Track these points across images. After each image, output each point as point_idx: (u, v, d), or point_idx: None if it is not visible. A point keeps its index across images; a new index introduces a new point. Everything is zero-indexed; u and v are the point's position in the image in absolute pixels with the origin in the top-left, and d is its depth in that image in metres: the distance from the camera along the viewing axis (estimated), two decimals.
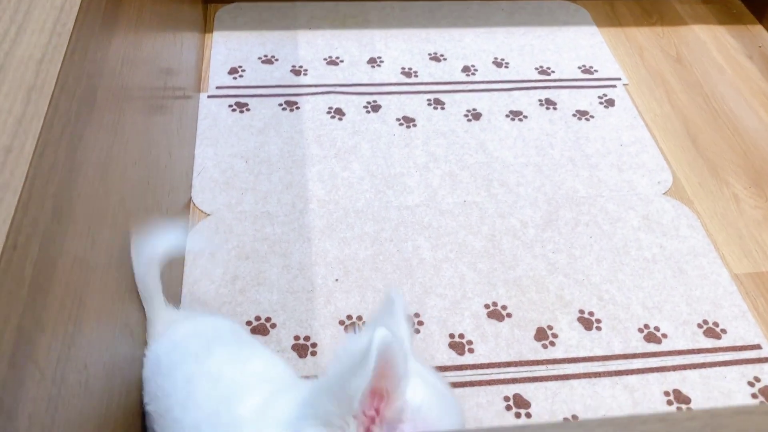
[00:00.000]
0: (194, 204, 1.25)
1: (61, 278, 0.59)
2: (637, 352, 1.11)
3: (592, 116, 1.51)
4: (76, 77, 0.66)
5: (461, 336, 1.11)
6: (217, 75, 1.51)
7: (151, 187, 0.96)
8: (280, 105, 1.46)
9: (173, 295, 1.10)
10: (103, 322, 0.69)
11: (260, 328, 1.09)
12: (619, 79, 1.61)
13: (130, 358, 0.79)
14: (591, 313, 1.16)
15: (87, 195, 0.67)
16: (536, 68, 1.61)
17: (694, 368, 1.10)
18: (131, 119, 0.86)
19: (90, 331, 0.65)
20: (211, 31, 1.61)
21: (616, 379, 1.08)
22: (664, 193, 1.36)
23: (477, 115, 1.49)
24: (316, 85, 1.51)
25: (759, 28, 1.79)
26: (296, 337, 1.08)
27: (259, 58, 1.56)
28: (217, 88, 1.48)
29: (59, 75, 0.58)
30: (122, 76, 0.83)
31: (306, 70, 1.55)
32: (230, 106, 1.44)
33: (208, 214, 1.24)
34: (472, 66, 1.60)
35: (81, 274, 0.63)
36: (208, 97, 1.46)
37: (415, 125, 1.45)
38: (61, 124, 0.60)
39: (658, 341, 1.13)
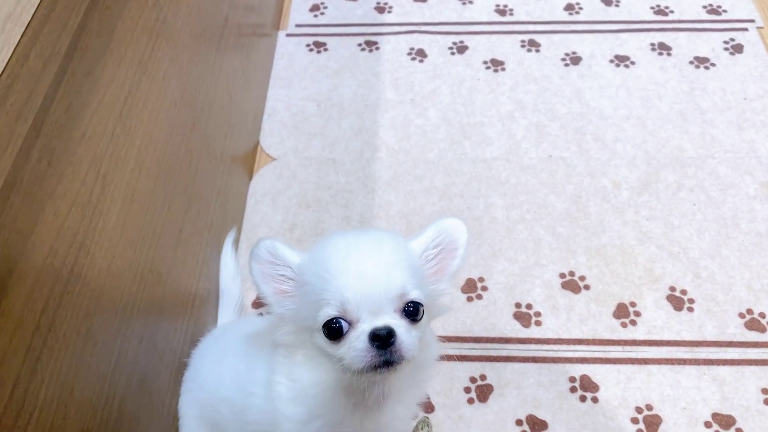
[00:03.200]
0: (261, 147, 1.21)
1: (53, 222, 0.55)
2: (734, 340, 0.97)
3: (713, 64, 1.31)
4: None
5: (529, 306, 1.01)
6: (297, 12, 1.44)
7: (199, 129, 0.91)
8: (359, 45, 1.37)
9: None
10: (114, 270, 0.66)
11: None
12: (752, 21, 1.38)
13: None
14: (684, 292, 1.02)
15: (95, 135, 0.62)
16: (652, 7, 1.41)
17: None
18: (170, 56, 0.81)
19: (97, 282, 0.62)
20: None
21: (704, 368, 0.94)
22: None
23: (576, 59, 1.33)
24: (399, 24, 1.41)
25: None
26: None
27: None
28: (297, 26, 1.41)
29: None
30: (160, 9, 0.78)
31: (391, 7, 1.44)
32: (308, 45, 1.37)
33: (274, 159, 1.19)
34: (577, 3, 1.43)
35: (82, 219, 0.60)
36: (287, 35, 1.40)
37: (504, 69, 1.32)
38: (56, 61, 0.56)
39: (762, 330, 0.97)
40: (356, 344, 0.58)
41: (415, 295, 0.60)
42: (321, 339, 0.60)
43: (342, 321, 0.58)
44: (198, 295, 0.93)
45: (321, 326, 0.59)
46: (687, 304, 1.00)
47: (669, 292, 1.02)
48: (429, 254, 0.65)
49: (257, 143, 1.21)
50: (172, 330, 0.82)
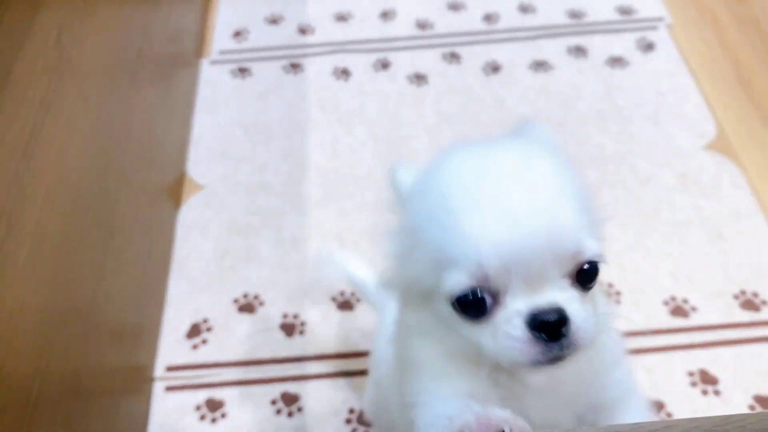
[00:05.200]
0: (188, 176, 1.21)
1: None
2: (661, 327, 1.00)
3: (627, 63, 1.36)
4: None
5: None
6: (220, 39, 1.45)
7: (115, 164, 0.91)
8: (284, 68, 1.38)
9: (161, 276, 1.06)
10: (27, 311, 0.65)
11: (247, 306, 1.03)
12: (661, 19, 1.44)
13: None
14: (610, 285, 1.04)
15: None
16: (567, 11, 1.46)
17: (726, 345, 0.97)
18: (77, 93, 0.80)
19: None
20: None
21: (634, 358, 0.97)
22: (705, 147, 1.21)
23: (496, 68, 1.36)
24: (322, 44, 1.42)
25: None
26: (285, 315, 1.03)
27: (265, 19, 1.48)
28: (220, 53, 1.42)
29: None
30: (62, 48, 0.78)
31: (314, 29, 1.46)
32: (232, 71, 1.38)
33: (202, 187, 1.19)
34: (495, 12, 1.47)
35: None
36: (211, 62, 1.40)
37: (427, 82, 1.34)
38: None
39: (686, 315, 1.00)
40: (509, 330, 0.40)
41: (593, 249, 0.40)
42: (448, 313, 0.42)
43: (484, 293, 0.40)
44: (128, 330, 0.92)
45: (451, 299, 0.41)
46: (614, 297, 1.03)
47: None
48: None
49: (183, 172, 1.21)
50: (98, 365, 0.81)
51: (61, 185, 0.74)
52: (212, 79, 1.37)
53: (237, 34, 1.45)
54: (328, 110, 1.30)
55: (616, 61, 1.36)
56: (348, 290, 1.05)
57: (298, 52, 1.41)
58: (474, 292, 0.39)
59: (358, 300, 1.04)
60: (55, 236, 0.72)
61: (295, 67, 1.38)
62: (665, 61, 1.36)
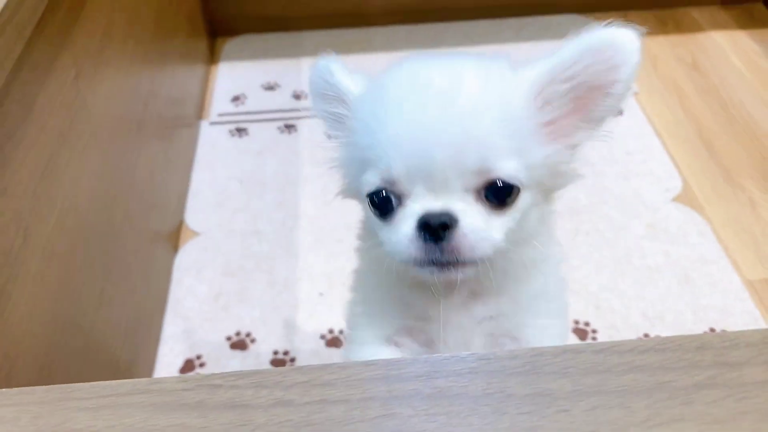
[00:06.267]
0: (186, 224, 1.27)
1: None
2: None
3: None
4: None
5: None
6: (219, 103, 1.55)
7: (120, 202, 0.97)
8: (279, 128, 1.47)
9: (157, 313, 1.11)
10: (35, 317, 0.70)
11: (239, 343, 1.07)
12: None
13: None
14: (587, 324, 1.10)
15: (16, 192, 0.68)
16: None
17: None
18: (90, 131, 0.88)
19: None
20: (217, 62, 1.65)
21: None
22: (672, 200, 1.29)
23: None
24: None
25: None
26: (275, 352, 1.06)
27: (262, 86, 1.59)
28: (219, 115, 1.51)
29: None
30: (78, 90, 0.85)
31: (307, 95, 1.56)
32: (230, 131, 1.47)
33: (199, 234, 1.25)
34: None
35: (4, 266, 0.64)
36: (210, 124, 1.49)
37: None
38: None
39: None
40: (401, 228, 0.43)
41: (507, 170, 0.41)
42: (369, 213, 0.45)
43: (390, 195, 0.43)
44: (123, 361, 0.95)
45: (365, 195, 0.44)
46: (591, 334, 1.08)
47: (574, 325, 1.10)
48: (554, 91, 0.43)
49: (182, 221, 1.27)
50: None
51: (72, 211, 0.80)
52: (211, 138, 1.45)
53: (235, 99, 1.55)
54: (320, 165, 1.37)
55: None
56: (336, 328, 1.09)
57: (293, 114, 1.51)
58: (381, 191, 0.43)
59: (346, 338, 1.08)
60: (63, 255, 0.78)
61: (289, 128, 1.47)
62: (633, 125, 1.46)
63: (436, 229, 0.41)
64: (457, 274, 0.43)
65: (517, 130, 0.42)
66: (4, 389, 0.38)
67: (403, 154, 0.41)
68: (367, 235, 0.51)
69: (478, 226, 0.42)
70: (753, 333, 0.37)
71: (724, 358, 0.36)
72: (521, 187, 0.43)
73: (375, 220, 0.45)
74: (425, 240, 0.41)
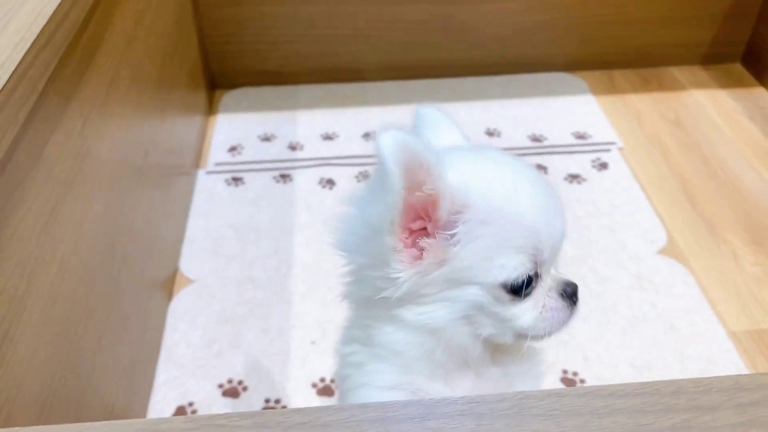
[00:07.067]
0: (181, 272, 1.29)
1: None
2: None
3: (584, 179, 1.51)
4: None
5: None
6: (217, 153, 1.58)
7: (120, 247, 1.00)
8: (274, 178, 1.51)
9: (151, 359, 1.12)
10: (36, 362, 0.71)
11: (231, 391, 1.08)
12: (614, 143, 1.61)
13: None
14: (575, 374, 1.11)
15: (22, 238, 0.70)
16: (528, 136, 1.63)
17: None
18: (94, 179, 0.91)
19: None
20: (215, 113, 1.70)
21: None
22: (658, 252, 1.33)
23: None
24: (310, 159, 1.56)
25: (761, 90, 1.77)
26: (267, 401, 1.07)
27: (259, 137, 1.63)
28: (216, 164, 1.55)
29: None
30: (84, 139, 0.89)
31: (302, 145, 1.61)
32: (226, 180, 1.50)
33: (193, 281, 1.27)
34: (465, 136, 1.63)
35: (8, 310, 0.66)
36: (207, 173, 1.53)
37: None
38: None
39: None
40: (550, 303, 0.49)
41: None
42: (489, 296, 0.47)
43: (533, 275, 0.48)
44: (118, 405, 0.96)
45: (508, 281, 0.47)
46: (579, 384, 1.10)
47: (562, 375, 1.11)
48: None
49: (177, 268, 1.29)
50: None
51: (74, 257, 0.83)
52: (208, 187, 1.48)
53: (232, 149, 1.59)
54: (314, 214, 1.41)
55: (574, 178, 1.51)
56: (328, 377, 1.10)
57: (288, 165, 1.55)
58: (532, 272, 0.47)
59: (337, 387, 1.09)
60: (66, 302, 0.79)
61: (284, 177, 1.51)
62: (618, 178, 1.51)
63: (577, 294, 0.50)
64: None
65: None
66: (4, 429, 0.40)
67: (548, 238, 0.47)
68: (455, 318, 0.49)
69: None
70: (724, 379, 0.39)
71: (698, 402, 0.38)
72: None
73: (499, 302, 0.48)
74: (572, 304, 0.50)
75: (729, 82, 1.81)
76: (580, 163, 1.55)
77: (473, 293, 0.47)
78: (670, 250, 1.33)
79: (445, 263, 0.46)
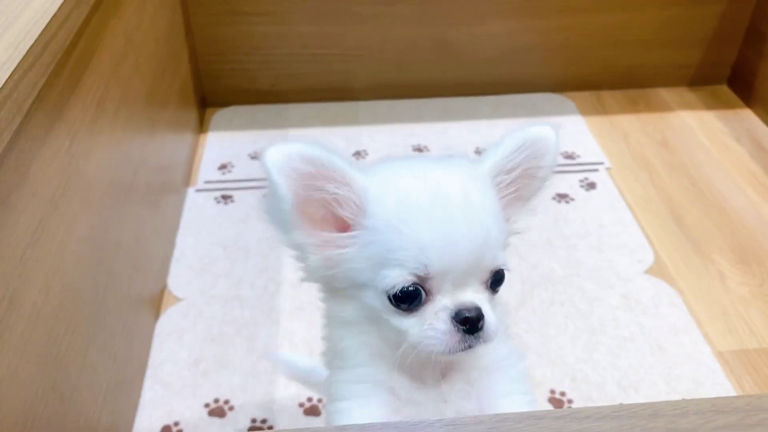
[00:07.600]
0: (168, 290, 1.28)
1: None
2: None
3: (572, 199, 1.52)
4: None
5: None
6: (206, 170, 1.58)
7: (106, 266, 0.99)
8: (264, 196, 1.51)
9: (137, 378, 1.11)
10: (17, 382, 0.71)
11: (217, 410, 1.07)
12: (601, 163, 1.62)
13: None
14: (563, 394, 1.11)
15: (6, 256, 0.70)
16: None
17: None
18: (81, 197, 0.91)
19: None
20: (206, 131, 1.70)
21: None
22: (645, 272, 1.33)
23: None
24: None
25: (747, 112, 1.79)
26: (253, 420, 1.06)
27: (249, 155, 1.64)
28: (206, 182, 1.55)
29: None
30: (72, 156, 0.89)
31: None
32: (215, 198, 1.50)
33: (181, 299, 1.26)
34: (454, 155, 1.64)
35: None
36: (196, 191, 1.53)
37: None
38: None
39: None
40: (435, 324, 0.48)
41: (503, 260, 0.50)
42: (380, 302, 0.49)
43: (420, 288, 0.48)
44: (102, 427, 0.95)
45: (388, 291, 0.48)
46: (567, 404, 1.10)
47: (550, 395, 1.11)
48: (501, 180, 0.52)
49: (164, 286, 1.29)
50: None
51: (58, 275, 0.82)
52: (197, 204, 1.48)
53: (222, 167, 1.60)
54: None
55: (563, 197, 1.52)
56: (315, 396, 1.10)
57: None
58: (415, 287, 0.48)
59: (324, 406, 1.09)
60: (48, 320, 0.79)
61: None
62: (606, 198, 1.52)
63: (474, 322, 0.47)
64: (473, 352, 0.49)
65: (501, 222, 0.51)
66: None
67: (439, 257, 0.47)
68: (366, 320, 0.53)
69: (491, 312, 0.49)
70: (701, 401, 0.39)
71: (675, 425, 0.38)
72: (507, 271, 0.51)
73: (388, 310, 0.49)
74: (464, 332, 0.48)
75: (715, 104, 1.83)
76: (568, 183, 1.56)
77: (369, 296, 0.50)
78: (657, 269, 1.34)
79: (345, 262, 0.50)
